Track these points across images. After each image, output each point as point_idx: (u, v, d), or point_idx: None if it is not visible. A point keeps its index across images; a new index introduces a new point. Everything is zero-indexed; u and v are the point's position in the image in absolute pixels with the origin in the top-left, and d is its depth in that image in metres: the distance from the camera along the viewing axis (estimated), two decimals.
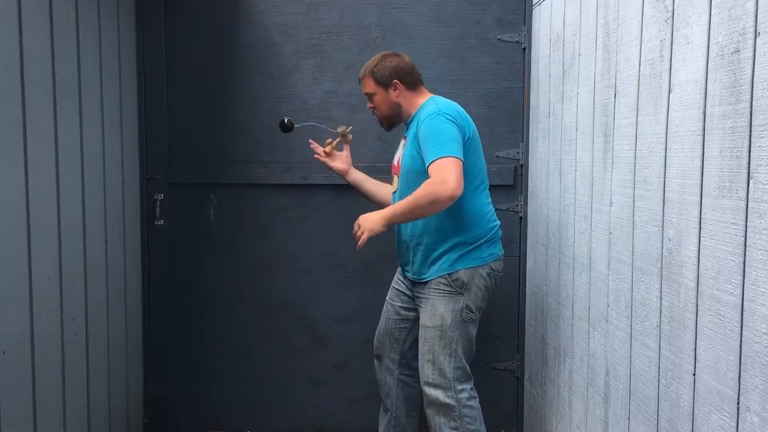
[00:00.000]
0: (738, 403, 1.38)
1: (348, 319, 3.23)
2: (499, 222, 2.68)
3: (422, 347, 2.60)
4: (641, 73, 1.83)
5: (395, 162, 2.73)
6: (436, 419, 2.58)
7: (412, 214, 2.46)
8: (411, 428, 2.88)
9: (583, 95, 2.31)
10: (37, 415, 2.08)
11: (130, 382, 3.01)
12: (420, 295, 2.64)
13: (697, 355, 1.54)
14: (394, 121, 2.73)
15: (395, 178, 2.71)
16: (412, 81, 2.67)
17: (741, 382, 1.37)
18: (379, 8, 3.12)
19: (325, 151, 2.90)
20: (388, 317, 2.82)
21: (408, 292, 2.76)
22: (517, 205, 3.16)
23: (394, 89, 2.65)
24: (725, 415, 1.43)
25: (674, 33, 1.64)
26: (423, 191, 2.39)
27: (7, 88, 1.90)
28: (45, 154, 2.14)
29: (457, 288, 2.55)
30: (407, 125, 2.70)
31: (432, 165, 2.39)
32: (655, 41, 1.75)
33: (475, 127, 2.60)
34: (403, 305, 2.78)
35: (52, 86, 2.18)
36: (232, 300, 3.24)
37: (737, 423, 1.39)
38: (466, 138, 2.52)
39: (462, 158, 2.42)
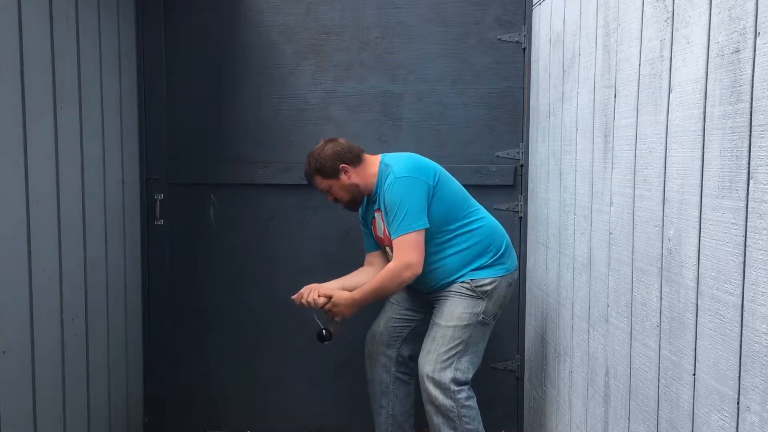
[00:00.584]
0: (738, 403, 1.38)
1: (348, 319, 3.22)
2: (504, 233, 2.72)
3: (429, 344, 2.60)
4: (641, 73, 1.83)
5: (381, 235, 2.71)
6: (435, 419, 2.59)
7: (378, 297, 2.63)
8: (409, 426, 2.89)
9: (583, 95, 2.31)
10: (37, 415, 2.08)
11: (130, 381, 3.01)
12: (439, 296, 2.65)
13: (697, 355, 1.54)
14: (358, 200, 2.73)
15: (387, 249, 2.71)
16: (355, 158, 2.65)
17: (741, 382, 1.37)
18: (379, 8, 3.12)
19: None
20: (390, 316, 2.84)
21: (419, 298, 2.78)
22: (517, 205, 3.16)
23: (344, 173, 2.64)
24: (725, 415, 1.43)
25: (674, 33, 1.64)
26: (388, 276, 2.52)
27: (7, 87, 1.90)
28: (45, 154, 2.14)
29: (480, 293, 2.57)
30: (372, 199, 2.69)
31: (395, 242, 2.51)
32: (655, 41, 1.75)
33: (437, 165, 2.62)
34: (411, 308, 2.81)
35: (52, 86, 2.18)
36: (231, 300, 3.24)
37: (737, 423, 1.39)
38: (434, 182, 2.55)
39: (423, 224, 2.49)
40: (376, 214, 2.69)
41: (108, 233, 2.69)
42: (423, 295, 2.75)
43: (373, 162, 2.66)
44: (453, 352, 2.55)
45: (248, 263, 3.22)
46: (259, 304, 3.24)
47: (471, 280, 2.57)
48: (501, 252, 2.63)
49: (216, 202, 3.20)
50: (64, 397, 2.29)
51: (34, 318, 2.05)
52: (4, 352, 1.87)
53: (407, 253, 2.49)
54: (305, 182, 3.14)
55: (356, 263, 3.19)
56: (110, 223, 2.71)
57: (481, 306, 2.57)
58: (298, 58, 3.15)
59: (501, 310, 2.66)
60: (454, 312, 2.57)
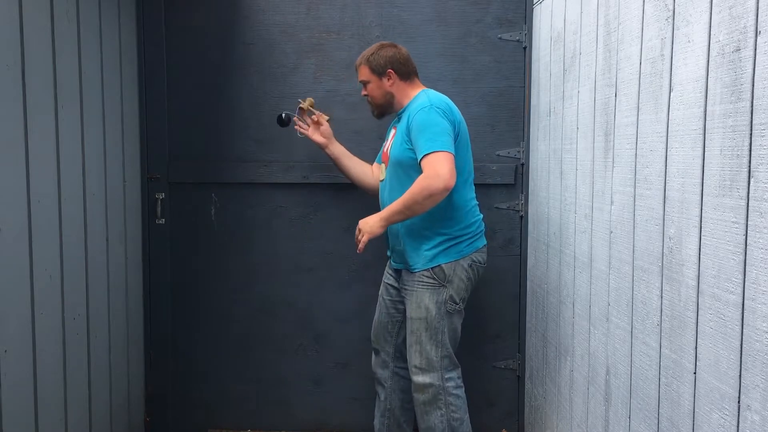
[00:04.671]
0: (739, 402, 1.38)
1: (349, 318, 3.23)
2: (481, 215, 2.75)
3: (410, 338, 2.67)
4: (642, 71, 1.83)
5: (385, 150, 2.78)
6: (422, 406, 2.65)
7: (410, 211, 2.51)
8: (405, 420, 2.91)
9: (584, 94, 2.31)
10: (38, 414, 2.08)
11: (132, 380, 3.01)
12: (406, 287, 2.70)
13: (697, 354, 1.54)
14: (386, 111, 2.79)
15: (383, 167, 2.76)
16: (406, 72, 2.73)
17: (742, 380, 1.37)
18: (380, 7, 3.12)
19: (312, 119, 2.96)
20: (381, 312, 2.88)
21: (396, 285, 2.81)
22: (517, 204, 3.16)
23: (388, 78, 2.71)
24: (726, 414, 1.43)
25: (675, 32, 1.64)
26: (418, 186, 2.46)
27: (8, 87, 1.90)
28: (46, 153, 2.14)
29: (440, 280, 2.61)
30: (399, 116, 2.76)
31: (424, 159, 2.47)
32: (656, 40, 1.75)
33: (464, 122, 2.66)
34: (394, 299, 2.84)
35: (53, 85, 2.19)
36: (233, 299, 3.24)
37: (738, 422, 1.39)
38: (456, 132, 2.58)
39: (453, 152, 2.49)
40: (392, 130, 2.77)
41: (109, 232, 2.69)
42: (397, 275, 2.78)
43: (417, 88, 2.74)
44: (433, 341, 2.61)
45: (249, 262, 3.22)
46: (260, 302, 3.24)
47: (431, 269, 2.61)
48: (465, 235, 2.65)
49: (217, 201, 3.20)
50: (65, 396, 2.30)
51: (35, 317, 2.05)
52: (6, 350, 1.88)
53: (436, 165, 2.43)
54: (306, 181, 3.15)
55: (356, 262, 3.20)
56: (111, 222, 2.72)
57: (444, 293, 2.61)
58: (299, 57, 3.15)
59: (468, 293, 2.69)
60: (422, 303, 2.62)
